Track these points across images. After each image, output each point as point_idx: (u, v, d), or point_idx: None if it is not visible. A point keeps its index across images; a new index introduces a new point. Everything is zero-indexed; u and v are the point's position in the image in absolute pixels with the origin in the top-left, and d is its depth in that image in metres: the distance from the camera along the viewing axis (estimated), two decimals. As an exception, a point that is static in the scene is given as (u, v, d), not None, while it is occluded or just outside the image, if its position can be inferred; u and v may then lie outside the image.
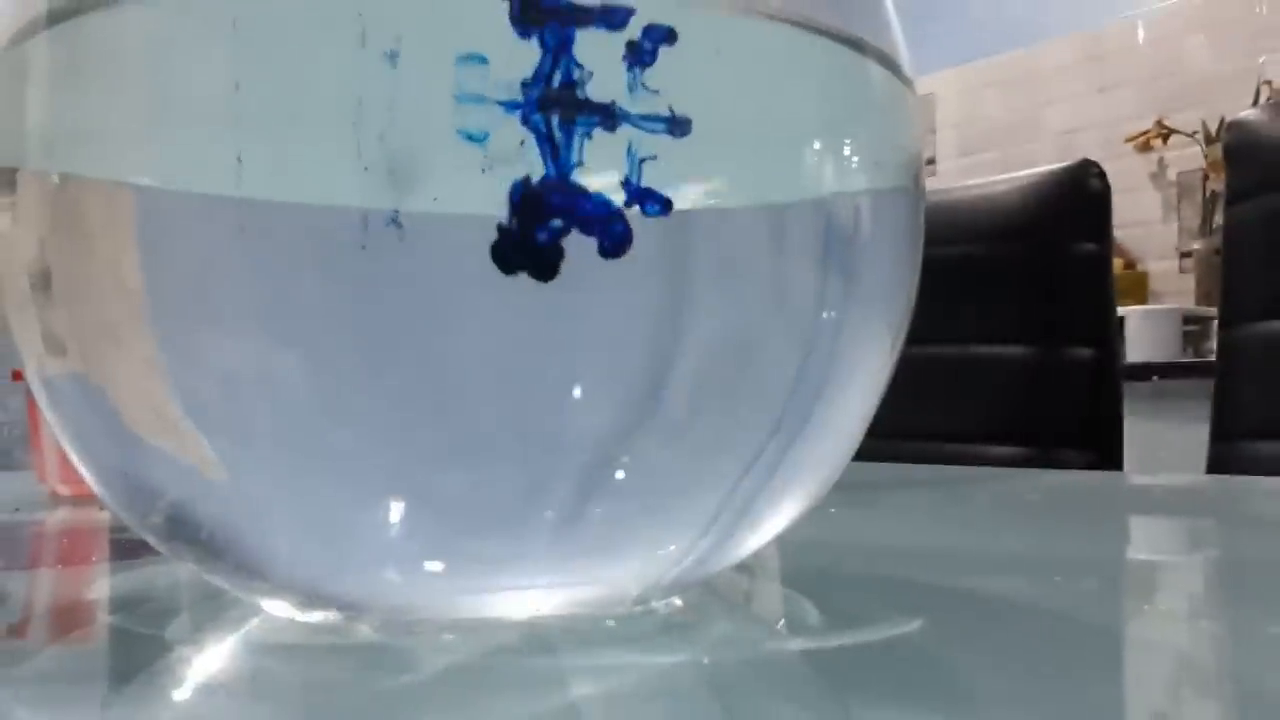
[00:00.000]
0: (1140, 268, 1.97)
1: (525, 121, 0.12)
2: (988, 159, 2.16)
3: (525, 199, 0.13)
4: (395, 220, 0.12)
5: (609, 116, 0.13)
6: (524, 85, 0.12)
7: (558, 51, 0.13)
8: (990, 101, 2.21)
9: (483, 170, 0.12)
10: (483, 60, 0.12)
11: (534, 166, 0.13)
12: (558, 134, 0.13)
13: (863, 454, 0.18)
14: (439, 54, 0.12)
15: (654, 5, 0.13)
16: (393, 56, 0.12)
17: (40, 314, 0.14)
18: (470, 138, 0.12)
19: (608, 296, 0.13)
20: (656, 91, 0.13)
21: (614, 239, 0.13)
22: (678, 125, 0.13)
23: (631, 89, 0.13)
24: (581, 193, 0.13)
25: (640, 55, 0.13)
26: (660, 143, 0.13)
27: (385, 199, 0.12)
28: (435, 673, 0.14)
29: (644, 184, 0.13)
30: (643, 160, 0.13)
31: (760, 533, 0.16)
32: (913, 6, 0.19)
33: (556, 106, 0.13)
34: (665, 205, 0.13)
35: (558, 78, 0.13)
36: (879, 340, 0.17)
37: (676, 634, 0.16)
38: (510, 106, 0.12)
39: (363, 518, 0.14)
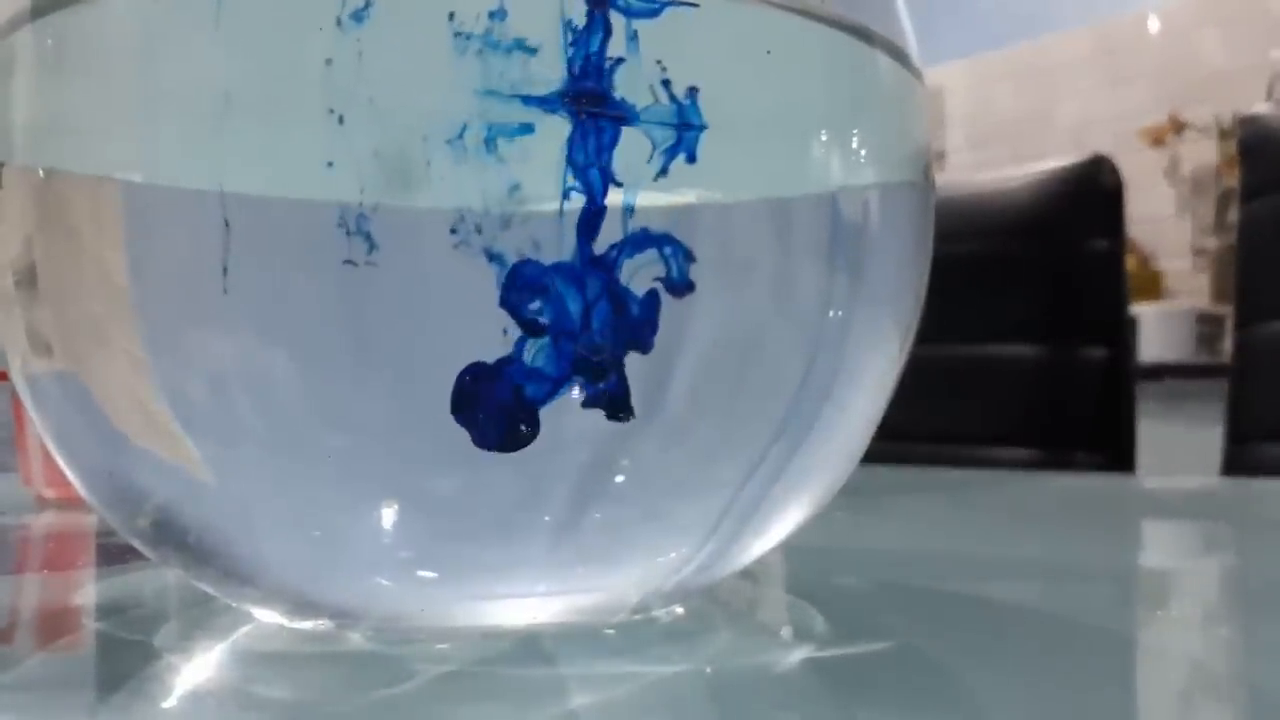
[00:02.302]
0: (1154, 265, 1.96)
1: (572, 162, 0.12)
2: (998, 153, 2.15)
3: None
4: (369, 222, 0.12)
5: (622, 117, 0.12)
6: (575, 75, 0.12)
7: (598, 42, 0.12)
8: (1001, 95, 2.20)
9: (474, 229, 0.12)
10: (531, 51, 0.12)
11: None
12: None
13: (869, 457, 0.17)
14: (444, 45, 0.12)
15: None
16: (391, 47, 0.12)
17: (25, 312, 0.14)
18: (492, 134, 0.12)
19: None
20: (674, 95, 0.12)
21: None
22: (689, 125, 0.13)
23: (631, 49, 0.12)
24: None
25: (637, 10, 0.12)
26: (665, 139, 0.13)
27: (380, 196, 0.12)
28: (429, 682, 0.13)
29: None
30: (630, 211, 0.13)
31: (764, 538, 0.16)
32: (923, -3, 0.19)
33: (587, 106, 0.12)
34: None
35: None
36: (887, 340, 0.16)
37: (678, 642, 0.16)
38: (547, 104, 0.12)
39: (355, 522, 0.14)
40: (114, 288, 0.14)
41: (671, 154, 0.13)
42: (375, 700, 0.13)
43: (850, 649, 0.15)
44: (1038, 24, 2.11)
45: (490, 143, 0.12)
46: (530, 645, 0.15)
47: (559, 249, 0.12)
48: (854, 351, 0.15)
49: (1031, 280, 0.77)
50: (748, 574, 0.19)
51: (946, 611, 0.18)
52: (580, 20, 0.12)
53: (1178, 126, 1.92)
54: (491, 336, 0.12)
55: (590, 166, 0.12)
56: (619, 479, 0.14)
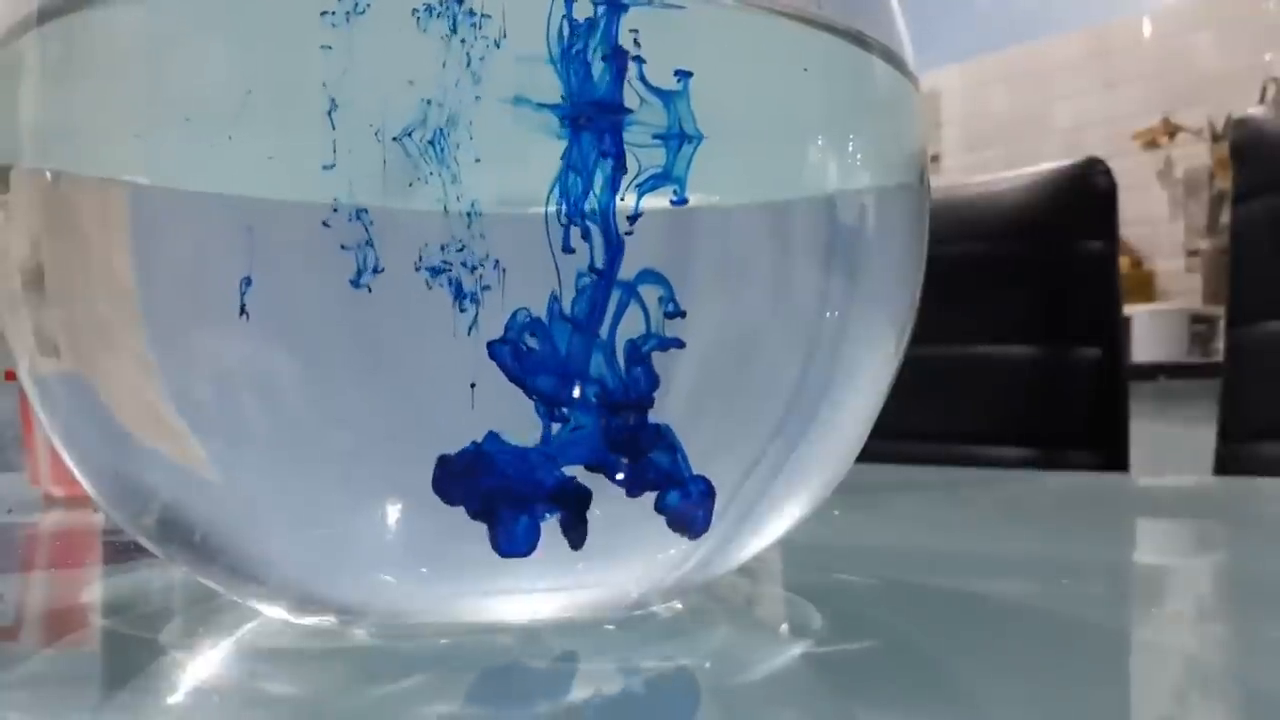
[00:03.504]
0: (1147, 266, 1.96)
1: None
2: (993, 155, 2.15)
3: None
4: (373, 226, 0.12)
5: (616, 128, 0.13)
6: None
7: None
8: (996, 97, 2.21)
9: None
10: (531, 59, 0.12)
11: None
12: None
13: (866, 455, 0.18)
14: (449, 51, 0.12)
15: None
16: (394, 55, 0.12)
17: (33, 313, 0.14)
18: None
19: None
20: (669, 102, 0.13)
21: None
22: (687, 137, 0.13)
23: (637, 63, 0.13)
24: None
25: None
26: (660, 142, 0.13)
27: (386, 198, 0.12)
28: (431, 677, 0.14)
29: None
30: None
31: (762, 535, 0.16)
32: (917, 1, 0.19)
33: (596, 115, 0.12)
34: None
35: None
36: (883, 340, 0.17)
37: (677, 638, 0.16)
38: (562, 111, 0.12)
39: (358, 520, 0.14)
40: (120, 289, 0.14)
41: (659, 182, 0.13)
42: (378, 695, 0.13)
43: (847, 645, 0.15)
44: (1032, 27, 2.12)
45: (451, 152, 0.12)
46: (532, 640, 0.15)
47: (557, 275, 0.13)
48: (850, 351, 0.16)
49: (1026, 281, 0.77)
50: (746, 570, 0.20)
51: (942, 608, 0.19)
52: (579, 22, 0.12)
53: (1171, 129, 1.92)
54: (493, 336, 0.13)
55: (596, 208, 0.12)
56: (619, 476, 0.14)
